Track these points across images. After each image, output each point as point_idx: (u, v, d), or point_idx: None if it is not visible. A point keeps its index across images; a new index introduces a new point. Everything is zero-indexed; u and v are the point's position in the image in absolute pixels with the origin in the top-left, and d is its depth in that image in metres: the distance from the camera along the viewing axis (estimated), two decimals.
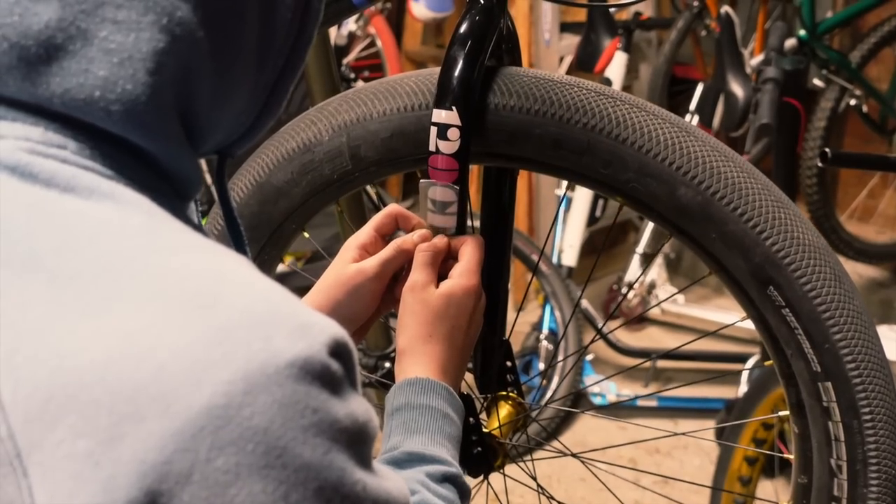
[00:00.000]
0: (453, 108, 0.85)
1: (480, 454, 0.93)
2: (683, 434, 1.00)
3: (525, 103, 0.87)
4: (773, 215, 0.86)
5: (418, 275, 0.82)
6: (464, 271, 0.82)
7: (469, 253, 0.84)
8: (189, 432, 0.40)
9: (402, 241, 0.85)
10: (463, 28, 0.86)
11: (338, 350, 0.46)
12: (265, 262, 1.03)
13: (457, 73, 0.85)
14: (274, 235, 1.02)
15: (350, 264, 0.84)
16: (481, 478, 0.97)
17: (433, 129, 0.86)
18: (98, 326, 0.42)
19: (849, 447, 0.89)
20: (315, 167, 0.96)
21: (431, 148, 0.86)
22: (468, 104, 0.86)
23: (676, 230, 0.89)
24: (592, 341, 1.61)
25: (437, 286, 0.82)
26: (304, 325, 0.45)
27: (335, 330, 0.46)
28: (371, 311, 0.85)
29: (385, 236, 0.87)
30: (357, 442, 0.46)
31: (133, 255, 0.44)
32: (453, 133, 0.85)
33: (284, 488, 0.42)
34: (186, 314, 0.43)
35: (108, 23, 0.46)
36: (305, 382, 0.43)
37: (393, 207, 0.88)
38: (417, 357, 0.79)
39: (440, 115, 0.86)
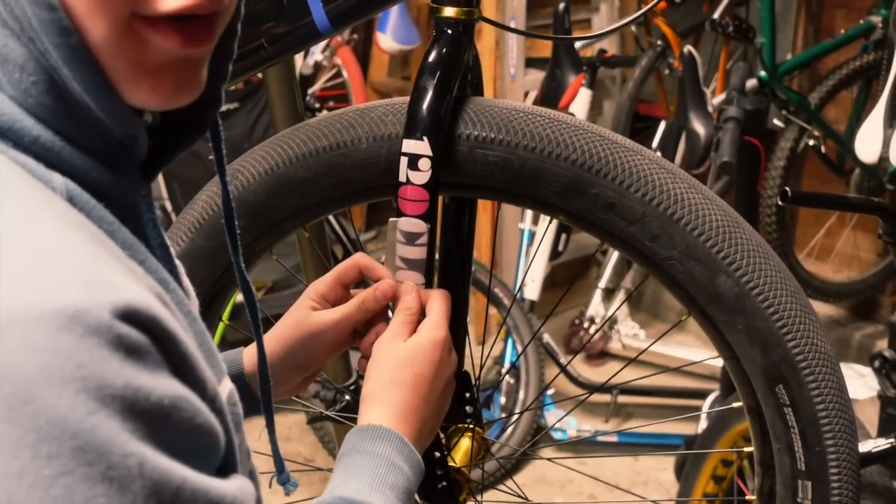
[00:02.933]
0: (424, 138, 0.85)
1: (446, 488, 0.92)
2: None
3: (495, 134, 0.87)
4: (800, 319, 0.88)
5: (391, 331, 0.82)
6: (432, 325, 0.82)
7: (437, 307, 0.84)
8: None
9: (365, 298, 0.85)
10: (431, 58, 0.86)
11: (136, 318, 0.44)
12: (255, 253, 1.00)
13: (427, 103, 0.85)
14: (273, 229, 0.98)
15: (310, 313, 0.85)
16: None
17: (403, 160, 0.85)
18: None
19: None
20: (343, 171, 0.92)
21: (402, 178, 0.86)
22: (439, 134, 0.85)
23: (699, 312, 0.90)
24: (554, 378, 1.61)
25: (406, 341, 0.81)
26: (92, 281, 0.43)
27: (135, 298, 0.44)
28: (325, 362, 0.86)
29: (347, 285, 0.87)
30: (142, 419, 0.43)
31: None
32: (424, 163, 0.85)
33: (33, 437, 0.40)
34: None
35: None
36: (75, 334, 0.41)
37: (357, 258, 0.87)
38: (377, 402, 0.78)
39: (410, 146, 0.85)
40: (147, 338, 0.44)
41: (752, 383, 0.92)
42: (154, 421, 0.44)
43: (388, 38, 3.09)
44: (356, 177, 0.92)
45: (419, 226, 0.86)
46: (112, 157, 0.53)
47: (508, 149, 0.87)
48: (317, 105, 2.90)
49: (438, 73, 0.85)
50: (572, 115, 2.78)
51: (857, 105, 2.79)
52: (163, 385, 0.44)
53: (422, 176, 0.85)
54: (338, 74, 3.23)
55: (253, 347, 0.85)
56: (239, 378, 0.85)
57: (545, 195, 0.88)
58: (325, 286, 0.86)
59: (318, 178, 0.93)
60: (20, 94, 0.49)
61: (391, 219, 0.87)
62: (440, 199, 0.92)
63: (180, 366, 0.47)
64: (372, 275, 0.87)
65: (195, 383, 0.48)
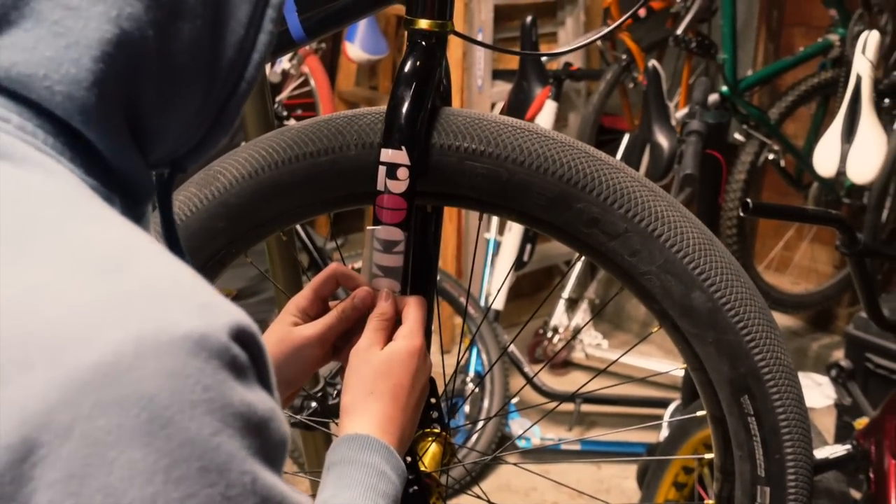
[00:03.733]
0: (402, 147, 0.86)
1: (417, 493, 0.93)
2: None
3: (485, 147, 0.89)
4: (766, 334, 0.92)
5: (366, 339, 0.83)
6: (407, 333, 0.83)
7: (412, 314, 0.85)
8: (74, 386, 0.40)
9: (345, 307, 0.86)
10: (407, 69, 0.88)
11: (242, 338, 0.45)
12: (230, 255, 1.00)
13: (404, 113, 0.86)
14: (252, 232, 0.98)
15: (292, 328, 0.85)
16: None
17: (382, 169, 0.86)
18: (2, 277, 0.42)
19: None
20: (330, 177, 0.93)
21: (380, 187, 0.87)
22: (416, 143, 0.86)
23: (671, 324, 0.94)
24: (520, 389, 1.62)
25: (382, 348, 0.82)
26: (207, 304, 0.45)
27: (241, 318, 0.46)
28: (310, 374, 0.87)
29: (325, 297, 0.88)
30: (253, 434, 0.44)
31: (50, 218, 0.45)
32: (402, 172, 0.86)
33: (167, 461, 0.41)
34: (91, 276, 0.43)
35: (61, 7, 0.48)
36: (200, 358, 0.42)
37: (333, 267, 0.88)
38: (359, 414, 0.79)
39: (389, 155, 0.86)
40: (247, 354, 0.46)
41: (717, 394, 0.95)
42: (261, 435, 0.45)
43: (356, 48, 3.10)
44: (342, 183, 0.93)
45: (396, 234, 0.87)
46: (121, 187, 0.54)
47: (497, 162, 0.89)
48: (284, 113, 2.90)
49: (414, 83, 0.87)
50: None
51: (815, 121, 2.86)
52: (261, 399, 0.46)
53: (400, 185, 0.87)
54: (305, 83, 3.23)
55: None
56: None
57: (530, 208, 0.90)
58: (305, 300, 0.87)
59: (303, 184, 0.93)
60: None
61: (368, 227, 0.88)
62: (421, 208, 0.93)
63: (266, 377, 0.48)
64: (349, 284, 0.88)
65: (272, 391, 0.49)
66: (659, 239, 0.89)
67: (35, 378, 0.40)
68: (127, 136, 0.52)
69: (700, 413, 1.03)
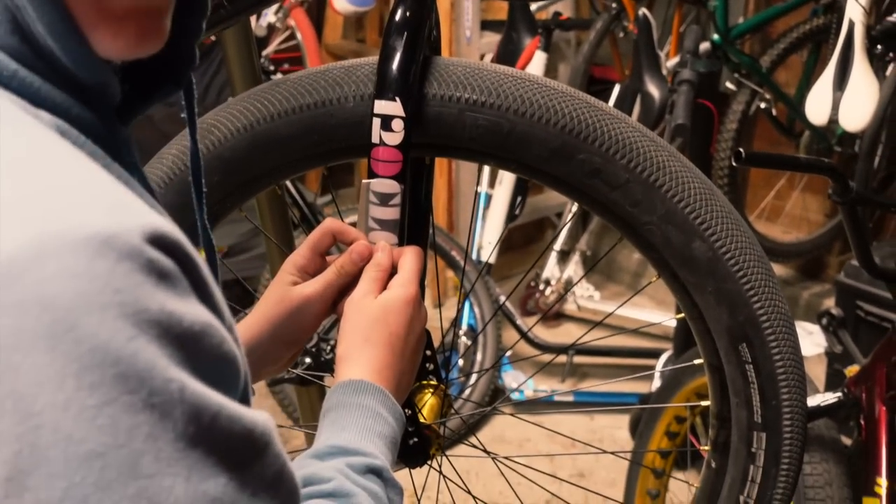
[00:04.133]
0: (396, 98, 0.85)
1: (417, 444, 0.94)
2: None
3: (486, 98, 0.88)
4: (765, 282, 0.92)
5: (361, 288, 0.83)
6: (403, 282, 0.83)
7: (408, 264, 0.85)
8: None
9: (343, 263, 0.85)
10: (398, 17, 0.86)
11: (164, 244, 0.43)
12: (225, 209, 0.99)
13: (396, 63, 0.85)
14: (247, 185, 0.97)
15: (291, 288, 0.85)
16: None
17: (376, 121, 0.85)
18: None
19: (761, 489, 0.99)
20: (328, 129, 0.91)
21: (374, 140, 0.86)
22: (410, 94, 0.85)
23: (670, 274, 0.94)
24: (514, 344, 1.63)
25: (376, 297, 0.82)
26: (118, 205, 0.43)
27: (162, 224, 0.43)
28: (312, 332, 0.86)
29: (322, 253, 0.87)
30: (178, 345, 0.42)
31: None
32: (397, 124, 0.85)
33: (76, 367, 0.39)
34: (2, 180, 0.41)
35: None
36: (109, 259, 0.40)
37: (329, 223, 0.87)
38: (354, 361, 0.79)
39: (382, 106, 0.85)
40: (174, 263, 0.43)
41: (715, 342, 0.96)
42: (188, 346, 0.43)
43: (343, 0, 3.06)
44: (341, 135, 0.92)
45: (393, 186, 0.87)
46: (87, 98, 0.51)
47: (499, 113, 0.88)
48: (271, 67, 2.86)
49: (406, 33, 0.85)
50: None
51: (806, 68, 2.84)
52: (192, 311, 0.43)
53: (395, 137, 0.85)
54: (292, 37, 3.19)
55: (239, 326, 0.85)
56: None
57: (532, 159, 0.89)
58: (302, 258, 0.86)
59: (300, 136, 0.92)
60: None
61: (364, 180, 0.87)
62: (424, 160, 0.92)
63: (204, 292, 0.46)
64: (345, 238, 0.88)
65: (216, 310, 0.47)
66: (660, 189, 0.89)
67: None
68: (66, 14, 0.49)
69: (697, 361, 1.03)
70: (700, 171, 0.93)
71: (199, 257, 0.46)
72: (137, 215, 0.43)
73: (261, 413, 0.48)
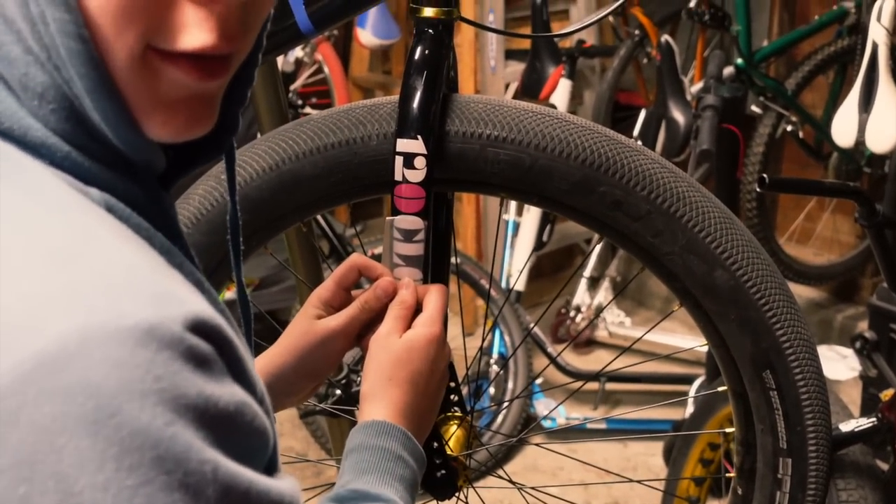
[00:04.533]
0: (418, 136, 0.87)
1: (445, 476, 0.94)
2: None
3: (507, 133, 0.90)
4: (787, 309, 0.93)
5: (386, 326, 0.84)
6: (426, 320, 0.84)
7: (433, 302, 0.86)
8: (20, 373, 0.41)
9: (367, 298, 0.87)
10: (416, 57, 0.88)
11: (204, 329, 0.45)
12: (251, 248, 1.01)
13: (417, 102, 0.87)
14: (273, 224, 0.99)
15: (316, 321, 0.86)
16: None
17: (399, 159, 0.87)
18: None
19: None
20: (352, 168, 0.93)
21: (397, 177, 0.88)
22: (431, 132, 0.87)
23: (693, 303, 0.95)
24: (543, 369, 1.63)
25: (401, 336, 0.83)
26: (160, 295, 0.45)
27: (202, 310, 0.46)
28: (335, 365, 0.88)
29: (348, 288, 0.89)
30: (213, 426, 0.45)
31: (9, 210, 0.46)
32: (419, 161, 0.87)
33: (116, 450, 0.41)
34: (44, 266, 0.44)
35: None
36: (150, 349, 0.43)
37: (355, 258, 0.89)
38: (377, 401, 0.80)
39: (405, 144, 0.87)
40: (212, 347, 0.46)
41: (739, 369, 0.97)
42: (222, 427, 0.45)
43: (368, 34, 3.10)
44: (364, 173, 0.93)
45: (416, 223, 0.88)
46: (134, 172, 0.54)
47: (520, 148, 0.89)
48: (299, 102, 2.91)
49: (425, 72, 0.87)
50: (553, 106, 2.83)
51: (833, 90, 2.83)
52: (227, 392, 0.46)
53: (417, 174, 0.87)
54: (319, 70, 3.24)
55: (263, 357, 0.87)
56: None
57: (553, 193, 0.91)
58: (327, 291, 0.88)
59: (324, 175, 0.94)
60: (40, 119, 0.50)
61: (388, 217, 0.89)
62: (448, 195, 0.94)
63: (238, 370, 0.48)
64: (371, 274, 0.89)
65: (249, 385, 0.49)
66: (681, 219, 0.90)
67: None
68: (122, 102, 0.51)
69: (721, 389, 1.04)
70: (719, 201, 0.94)
71: (235, 336, 0.48)
72: (178, 304, 0.45)
73: (288, 482, 0.51)
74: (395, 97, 0.93)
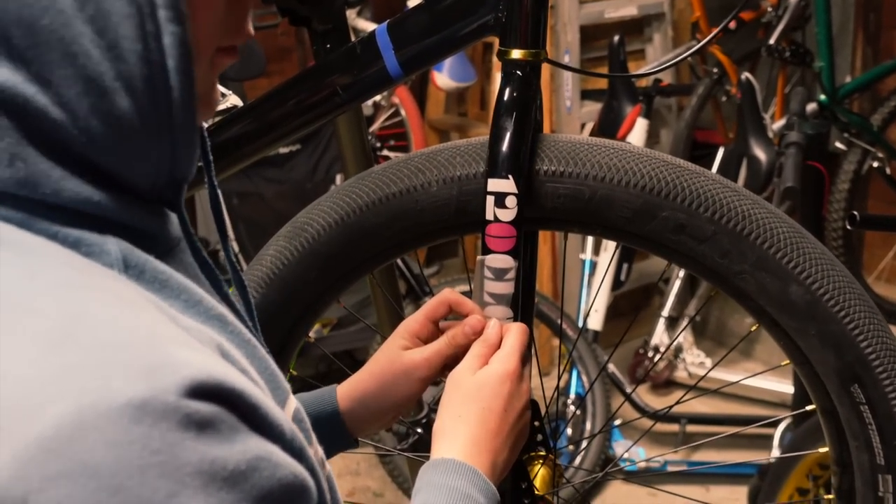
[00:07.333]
0: (509, 176, 0.88)
1: None
2: None
3: (564, 167, 0.90)
4: (870, 320, 0.91)
5: (464, 363, 0.83)
6: (502, 357, 0.83)
7: (511, 339, 0.85)
8: (22, 460, 0.42)
9: (455, 333, 0.87)
10: (506, 99, 0.89)
11: (203, 391, 0.45)
12: (324, 303, 1.03)
13: (507, 142, 0.88)
14: (344, 277, 1.01)
15: (402, 352, 0.87)
16: None
17: (490, 199, 0.88)
18: None
19: None
20: (414, 214, 0.95)
21: (489, 216, 0.89)
22: (522, 171, 0.88)
23: (770, 322, 0.93)
24: (619, 407, 1.61)
25: (475, 374, 0.82)
26: (154, 366, 0.45)
27: (199, 370, 0.46)
28: (417, 397, 0.88)
29: (437, 321, 0.90)
30: (228, 486, 0.45)
31: (8, 293, 0.47)
32: (510, 200, 0.88)
33: None
34: (38, 349, 0.45)
35: None
36: (146, 424, 0.43)
37: (447, 293, 0.90)
38: (446, 438, 0.79)
39: (496, 184, 0.88)
40: (217, 406, 0.46)
41: (825, 385, 0.94)
42: (238, 485, 0.45)
43: (445, 77, 3.14)
44: (427, 219, 0.95)
45: (507, 262, 0.89)
46: (158, 195, 0.56)
47: (578, 180, 0.90)
48: (377, 144, 2.96)
49: (515, 113, 0.88)
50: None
51: None
52: (239, 449, 0.46)
53: (508, 213, 0.88)
54: (396, 113, 3.29)
55: (348, 382, 0.88)
56: (334, 416, 0.88)
57: (616, 222, 0.91)
58: (417, 323, 0.88)
59: (389, 224, 0.96)
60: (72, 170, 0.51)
61: (479, 256, 0.90)
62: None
63: (257, 417, 0.48)
64: (461, 310, 0.89)
65: (271, 430, 0.50)
66: (748, 237, 0.89)
67: None
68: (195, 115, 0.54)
69: (809, 407, 1.00)
70: (787, 216, 0.92)
71: (247, 384, 0.48)
72: (173, 371, 0.45)
73: None
74: (452, 143, 0.96)
